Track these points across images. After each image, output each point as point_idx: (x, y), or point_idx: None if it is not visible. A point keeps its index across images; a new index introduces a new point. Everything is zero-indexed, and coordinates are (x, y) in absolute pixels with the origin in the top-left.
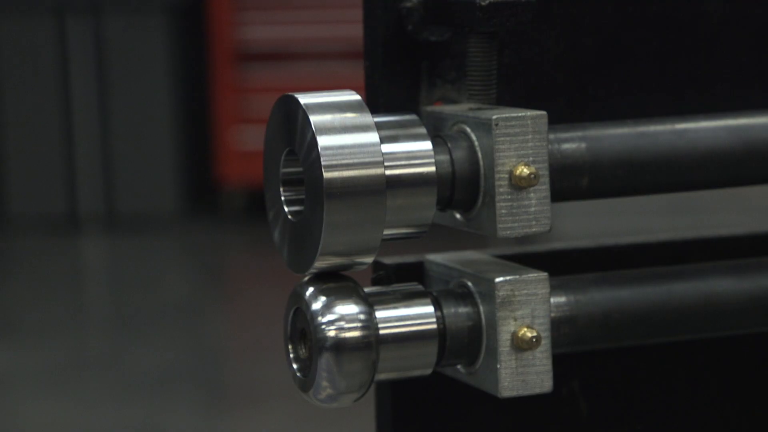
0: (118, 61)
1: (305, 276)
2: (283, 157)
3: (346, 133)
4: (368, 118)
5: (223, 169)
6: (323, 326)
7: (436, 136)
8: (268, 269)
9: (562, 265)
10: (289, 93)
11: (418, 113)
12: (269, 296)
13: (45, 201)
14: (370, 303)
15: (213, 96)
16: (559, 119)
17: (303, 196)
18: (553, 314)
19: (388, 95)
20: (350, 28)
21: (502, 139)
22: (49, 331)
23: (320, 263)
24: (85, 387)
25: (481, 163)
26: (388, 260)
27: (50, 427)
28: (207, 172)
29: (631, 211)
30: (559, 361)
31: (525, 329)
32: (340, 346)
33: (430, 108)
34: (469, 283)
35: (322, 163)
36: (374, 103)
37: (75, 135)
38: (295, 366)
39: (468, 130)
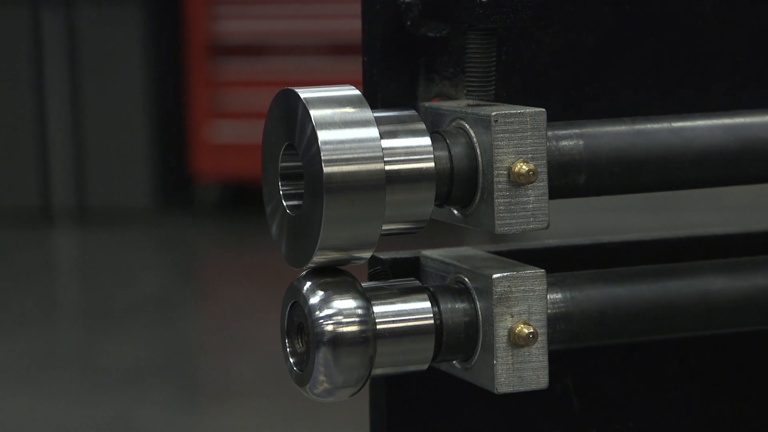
0: (91, 54)
1: (303, 270)
2: (282, 152)
3: (346, 127)
4: (368, 113)
5: (197, 163)
6: (321, 320)
7: (434, 132)
8: (242, 264)
9: (555, 261)
10: (289, 87)
11: (415, 109)
12: (242, 291)
13: (17, 193)
14: (367, 298)
15: (187, 89)
16: (555, 116)
17: (302, 191)
18: (548, 311)
19: (386, 90)
20: (327, 22)
21: (501, 135)
22: (20, 325)
23: (319, 258)
24: (56, 382)
25: (479, 159)
26: (383, 255)
27: (20, 421)
28: (181, 166)
29: (605, 208)
30: (552, 358)
31: (522, 325)
32: (337, 340)
33: (427, 104)
34: (466, 279)
35: (323, 157)
36: (372, 98)
37: (48, 127)
38: (291, 360)
39: (467, 126)
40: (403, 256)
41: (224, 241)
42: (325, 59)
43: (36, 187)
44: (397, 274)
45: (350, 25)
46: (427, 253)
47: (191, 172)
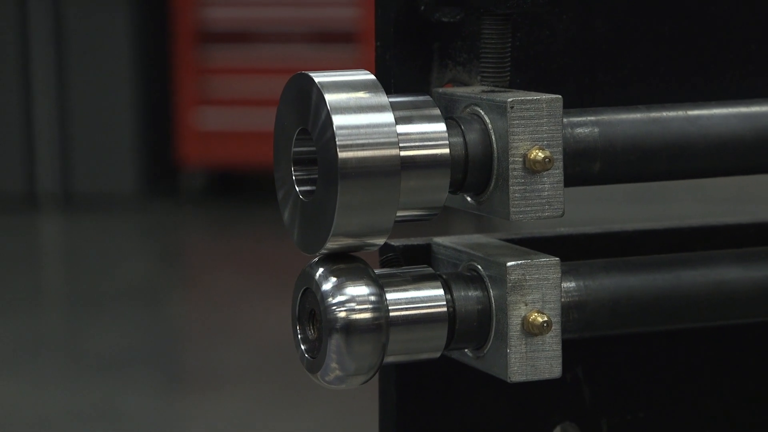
0: (78, 40)
1: (315, 256)
2: (295, 136)
3: (361, 112)
4: (383, 98)
5: (183, 149)
6: (334, 307)
7: (448, 118)
8: (227, 251)
9: (567, 250)
10: (303, 71)
11: (428, 95)
12: (227, 278)
13: (3, 180)
14: (380, 285)
15: (174, 76)
16: (569, 104)
17: (315, 176)
18: (562, 299)
19: (399, 76)
20: (314, 10)
21: (517, 122)
22: (4, 311)
23: (332, 244)
24: (41, 367)
25: (494, 146)
26: (395, 242)
27: (5, 407)
28: (167, 152)
29: (590, 199)
30: (563, 348)
31: (536, 314)
32: (350, 327)
33: (441, 89)
34: (479, 267)
35: (337, 142)
36: (385, 83)
37: (35, 113)
38: (303, 347)
39: (481, 112)
40: (415, 243)
41: (210, 228)
42: (312, 47)
43: (22, 173)
44: (408, 261)
45: (338, 12)
46: (439, 240)
47: (177, 159)
